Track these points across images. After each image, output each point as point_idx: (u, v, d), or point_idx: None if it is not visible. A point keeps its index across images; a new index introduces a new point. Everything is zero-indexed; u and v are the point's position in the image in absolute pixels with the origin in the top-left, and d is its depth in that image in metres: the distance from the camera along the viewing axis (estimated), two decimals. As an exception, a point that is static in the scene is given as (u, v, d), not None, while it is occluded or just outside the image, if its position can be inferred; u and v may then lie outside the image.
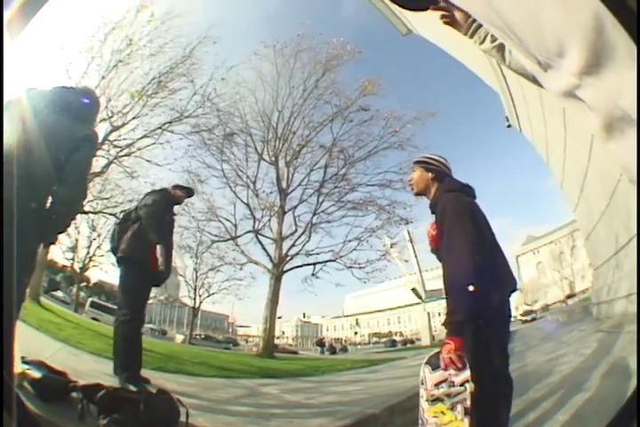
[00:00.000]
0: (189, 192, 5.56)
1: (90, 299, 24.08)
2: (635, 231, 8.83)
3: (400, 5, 1.38)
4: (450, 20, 1.69)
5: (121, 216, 5.26)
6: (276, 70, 26.31)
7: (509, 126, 19.34)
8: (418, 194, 3.03)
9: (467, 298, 2.33)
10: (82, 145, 3.00)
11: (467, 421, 2.17)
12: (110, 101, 18.70)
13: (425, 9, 1.38)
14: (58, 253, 26.00)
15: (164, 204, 5.05)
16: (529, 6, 0.82)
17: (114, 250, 4.81)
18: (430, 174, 2.92)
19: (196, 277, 28.62)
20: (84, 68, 18.33)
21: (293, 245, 23.21)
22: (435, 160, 2.99)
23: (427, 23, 14.16)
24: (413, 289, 24.17)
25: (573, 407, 3.83)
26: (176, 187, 5.41)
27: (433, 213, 2.84)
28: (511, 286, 2.73)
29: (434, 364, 2.40)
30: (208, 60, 23.60)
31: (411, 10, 1.43)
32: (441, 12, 1.63)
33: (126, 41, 19.40)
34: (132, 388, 3.51)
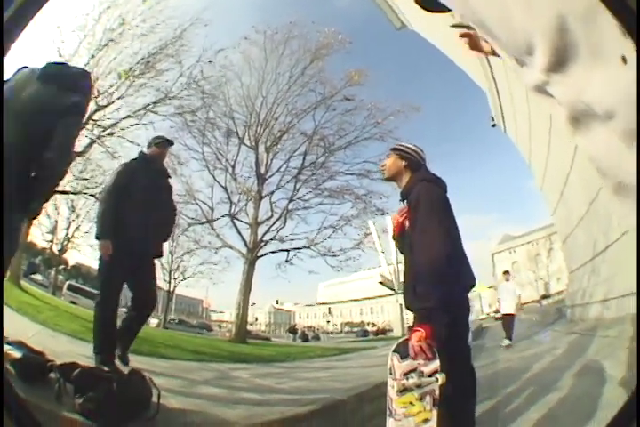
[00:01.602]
0: (168, 142, 5.19)
1: (67, 282, 23.89)
2: (612, 239, 9.03)
3: (422, 7, 1.42)
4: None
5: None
6: (264, 56, 25.89)
7: (494, 126, 19.45)
8: (387, 179, 3.05)
9: (438, 285, 2.34)
10: (69, 112, 3.01)
11: (435, 412, 2.18)
12: (98, 81, 18.33)
13: (445, 11, 1.42)
14: (37, 234, 25.78)
15: (131, 170, 4.76)
16: (499, 6, 0.86)
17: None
18: (404, 162, 2.93)
19: (172, 261, 28.44)
20: (75, 47, 18.16)
21: (268, 231, 23.17)
22: (410, 149, 2.99)
23: (422, 19, 14.17)
24: (382, 282, 24.14)
25: (546, 406, 3.91)
26: (151, 142, 5.06)
27: (403, 200, 2.84)
28: (470, 281, 2.74)
29: (402, 352, 2.37)
30: (198, 43, 23.34)
31: (431, 11, 1.47)
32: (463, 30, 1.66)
33: (119, 20, 19.14)
34: (105, 368, 3.54)
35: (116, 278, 4.42)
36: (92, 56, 18.34)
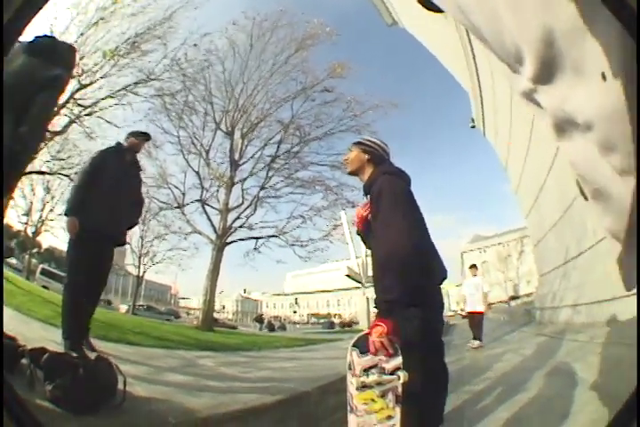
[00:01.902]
0: (145, 136, 5.37)
1: (40, 266, 23.63)
2: (585, 247, 9.28)
3: (424, 5, 1.44)
4: None
5: None
6: (250, 42, 26.01)
7: (473, 127, 19.62)
8: (351, 173, 3.01)
9: (402, 278, 2.26)
10: (48, 85, 3.00)
11: (398, 409, 2.12)
12: (83, 59, 18.31)
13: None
14: (13, 216, 25.47)
15: (106, 156, 4.93)
16: (492, 17, 0.89)
17: None
18: (367, 156, 2.91)
19: (142, 245, 28.44)
20: (66, 24, 18.02)
21: (238, 218, 23.42)
22: (373, 143, 2.97)
23: (414, 18, 14.19)
24: (348, 275, 24.31)
25: (515, 406, 3.93)
26: (131, 134, 5.27)
27: (366, 194, 2.82)
28: (442, 274, 2.71)
29: (362, 347, 2.28)
30: (185, 25, 23.40)
31: (432, 11, 1.49)
32: None
33: None
34: (74, 353, 3.55)
35: (83, 261, 4.44)
36: (81, 34, 18.28)
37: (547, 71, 0.83)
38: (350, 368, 2.34)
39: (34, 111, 2.89)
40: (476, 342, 9.94)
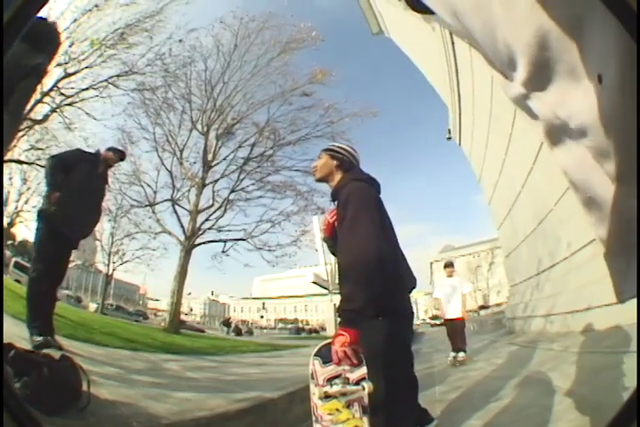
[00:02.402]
0: (121, 155, 5.51)
1: (13, 259, 23.28)
2: (558, 259, 9.52)
3: (412, 7, 1.44)
4: None
5: None
6: (234, 42, 25.78)
7: (449, 139, 19.83)
8: (319, 180, 2.97)
9: (365, 286, 2.17)
10: (31, 73, 2.99)
11: (366, 419, 2.11)
12: (72, 46, 18.36)
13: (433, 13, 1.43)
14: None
15: (81, 158, 5.08)
16: (484, 19, 0.90)
17: None
18: (335, 162, 2.87)
19: (112, 243, 28.14)
20: (62, 9, 17.97)
21: (207, 220, 23.26)
22: (343, 149, 2.94)
23: (400, 28, 14.32)
24: (315, 282, 24.37)
25: (489, 414, 3.93)
26: (109, 149, 5.40)
27: (333, 200, 2.78)
28: (411, 283, 2.70)
29: (324, 356, 2.29)
30: (174, 20, 23.32)
31: (420, 12, 1.48)
32: None
33: None
34: (39, 351, 3.51)
35: (52, 253, 4.62)
36: (74, 20, 18.29)
37: (540, 75, 0.84)
38: (312, 378, 2.35)
39: (14, 100, 2.86)
40: (461, 355, 8.37)
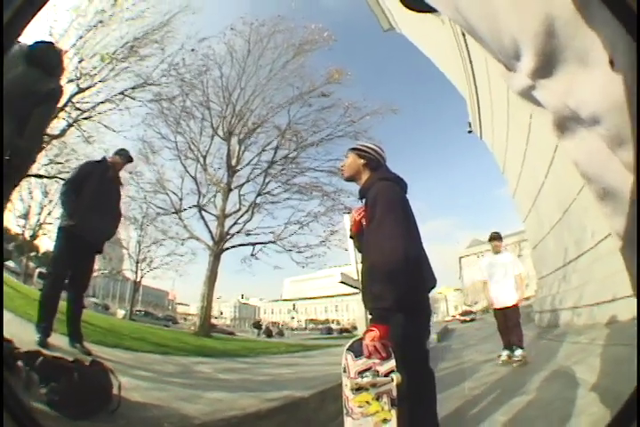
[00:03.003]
0: (128, 158, 5.63)
1: (37, 270, 23.53)
2: (584, 249, 9.27)
3: (406, 6, 1.40)
4: None
5: None
6: (247, 47, 25.93)
7: (470, 132, 19.62)
8: (347, 179, 3.03)
9: (394, 285, 2.29)
10: (45, 99, 3.00)
11: (394, 412, 2.16)
12: (82, 62, 18.45)
13: (429, 11, 1.40)
14: (11, 219, 25.43)
15: (88, 170, 5.19)
16: (487, 10, 0.86)
17: None
18: (362, 161, 2.92)
19: (139, 251, 28.31)
20: (66, 27, 18.05)
21: (235, 224, 23.27)
22: (369, 148, 2.98)
23: (410, 23, 14.23)
24: (343, 282, 24.44)
25: (514, 409, 3.91)
26: (115, 153, 5.52)
27: (361, 198, 2.84)
28: (431, 282, 2.75)
29: (356, 351, 2.36)
30: (183, 30, 23.63)
31: (415, 11, 1.45)
32: None
33: (112, 1, 19.13)
34: (68, 357, 3.53)
35: (64, 259, 4.84)
36: (80, 37, 18.34)
37: (548, 64, 0.80)
38: (345, 371, 2.39)
39: (33, 125, 2.90)
40: (518, 353, 6.73)
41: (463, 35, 12.90)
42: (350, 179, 3.00)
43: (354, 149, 3.01)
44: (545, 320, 12.60)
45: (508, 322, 7.20)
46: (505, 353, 7.10)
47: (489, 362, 7.55)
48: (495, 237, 7.99)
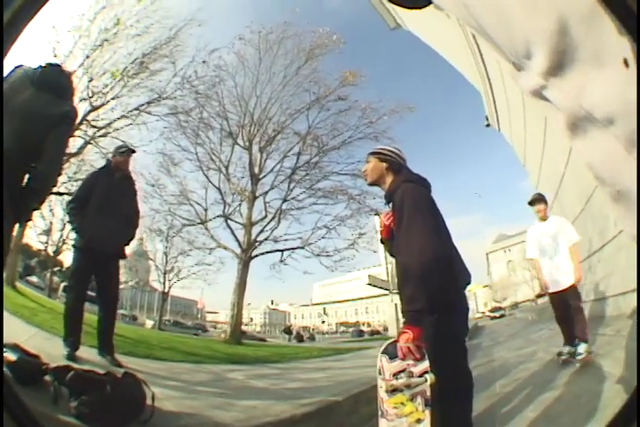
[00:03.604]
0: (129, 151, 5.47)
1: (62, 284, 23.82)
2: (608, 239, 9.09)
3: (397, 4, 1.38)
4: None
5: None
6: (258, 56, 26.11)
7: (488, 126, 19.48)
8: (371, 184, 3.03)
9: (425, 287, 2.31)
10: (61, 121, 3.01)
11: (427, 413, 2.17)
12: (92, 81, 18.54)
13: (420, 8, 1.38)
14: (33, 236, 25.77)
15: (92, 180, 5.22)
16: (498, 9, 0.83)
17: None
18: (385, 164, 2.92)
19: (166, 262, 28.52)
20: (70, 47, 18.10)
21: (262, 231, 23.27)
22: (389, 151, 2.99)
23: (416, 19, 14.15)
24: (370, 284, 24.23)
25: (543, 405, 3.87)
26: (115, 152, 5.46)
27: (388, 202, 2.83)
28: (466, 279, 2.73)
29: (391, 353, 2.37)
30: (192, 43, 23.52)
31: (407, 8, 1.43)
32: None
33: (114, 20, 19.13)
34: (99, 370, 3.53)
35: (80, 273, 4.88)
36: (87, 56, 18.40)
37: (560, 63, 0.76)
38: (380, 373, 2.37)
39: (50, 148, 2.92)
40: (582, 348, 5.23)
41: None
42: (374, 183, 3.01)
43: (374, 153, 3.02)
44: None
45: (569, 307, 5.73)
46: (567, 350, 5.66)
47: (519, 358, 7.44)
48: (537, 200, 6.67)
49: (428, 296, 2.29)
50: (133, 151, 5.55)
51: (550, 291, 6.00)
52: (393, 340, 2.43)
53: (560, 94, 0.81)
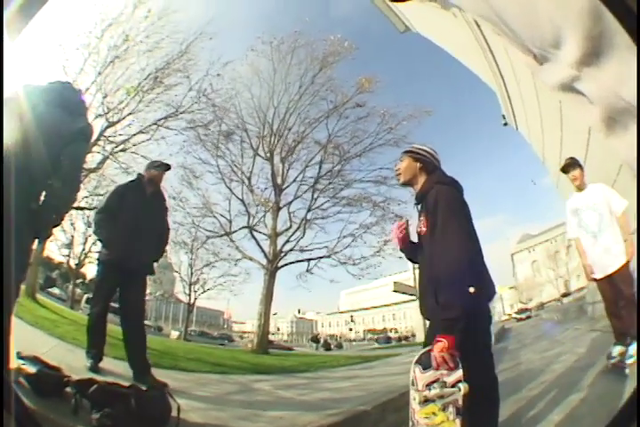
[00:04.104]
0: (165, 166, 5.29)
1: (85, 295, 24.03)
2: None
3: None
4: None
5: None
6: (272, 66, 26.17)
7: (506, 124, 19.34)
8: (404, 184, 2.96)
9: (461, 294, 2.26)
10: (77, 138, 3.02)
11: (458, 421, 2.14)
12: (106, 97, 18.69)
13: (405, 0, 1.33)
14: (54, 249, 26.03)
15: (121, 193, 5.00)
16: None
17: None
18: (419, 164, 2.86)
19: (191, 273, 28.58)
20: (80, 65, 18.26)
21: (288, 241, 23.24)
22: (423, 151, 2.93)
23: (424, 20, 14.10)
24: (396, 290, 24.23)
25: (568, 407, 3.79)
26: (149, 166, 5.25)
27: (418, 203, 2.79)
28: (492, 290, 2.68)
29: (424, 363, 2.30)
30: (204, 56, 23.68)
31: (397, 1, 1.39)
32: None
33: (123, 37, 19.29)
34: (125, 383, 3.52)
35: (105, 287, 4.77)
36: (99, 73, 18.59)
37: (595, 49, 0.71)
38: (413, 384, 2.32)
39: (66, 165, 2.93)
40: (632, 349, 4.24)
41: (478, 25, 12.74)
42: (407, 183, 2.95)
43: (408, 152, 2.97)
44: (597, 311, 12.10)
45: (619, 297, 4.62)
46: (617, 350, 4.49)
47: (543, 360, 7.33)
48: (570, 165, 5.47)
49: (464, 304, 2.25)
50: (169, 167, 5.40)
51: (597, 277, 4.88)
52: (427, 349, 2.35)
53: (596, 86, 0.76)
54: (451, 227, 2.42)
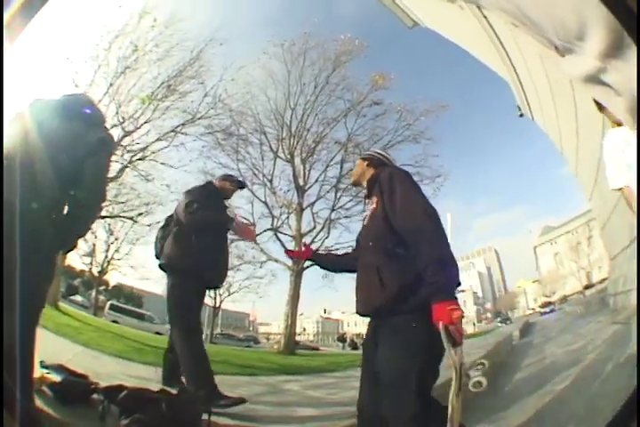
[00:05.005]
0: (239, 184, 4.92)
1: (109, 302, 24.24)
2: None
3: None
4: None
5: (164, 220, 4.87)
6: (285, 68, 26.30)
7: (521, 116, 19.20)
8: (354, 184, 2.95)
9: (449, 252, 2.07)
10: (98, 148, 3.01)
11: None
12: (121, 107, 18.87)
13: None
14: (75, 257, 26.26)
15: (202, 199, 4.36)
16: None
17: (157, 256, 4.47)
18: (366, 162, 2.84)
19: (216, 277, 28.64)
20: (90, 77, 18.47)
21: (313, 242, 23.11)
22: (375, 153, 2.94)
23: (431, 14, 14.04)
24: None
25: (590, 399, 3.79)
26: (224, 178, 4.79)
27: (369, 194, 2.66)
28: None
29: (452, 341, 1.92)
30: (216, 62, 23.86)
31: None
32: None
33: (132, 47, 19.49)
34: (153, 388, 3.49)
35: (195, 303, 4.28)
36: (111, 84, 18.71)
37: (621, 41, 0.68)
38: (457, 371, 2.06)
39: (89, 175, 2.92)
40: None
41: (484, 17, 12.60)
42: (357, 182, 2.90)
43: (361, 157, 2.99)
44: (619, 303, 11.95)
45: None
46: None
47: (566, 354, 7.27)
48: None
49: (455, 262, 2.06)
50: (242, 187, 5.10)
51: None
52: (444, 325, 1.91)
53: (622, 77, 0.72)
54: (412, 193, 2.33)
